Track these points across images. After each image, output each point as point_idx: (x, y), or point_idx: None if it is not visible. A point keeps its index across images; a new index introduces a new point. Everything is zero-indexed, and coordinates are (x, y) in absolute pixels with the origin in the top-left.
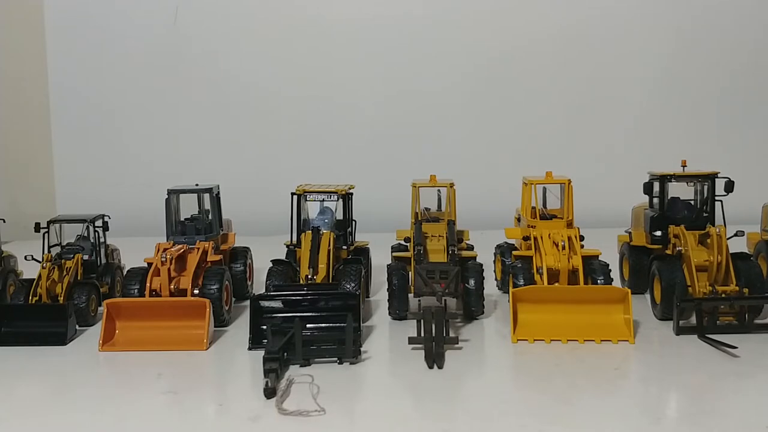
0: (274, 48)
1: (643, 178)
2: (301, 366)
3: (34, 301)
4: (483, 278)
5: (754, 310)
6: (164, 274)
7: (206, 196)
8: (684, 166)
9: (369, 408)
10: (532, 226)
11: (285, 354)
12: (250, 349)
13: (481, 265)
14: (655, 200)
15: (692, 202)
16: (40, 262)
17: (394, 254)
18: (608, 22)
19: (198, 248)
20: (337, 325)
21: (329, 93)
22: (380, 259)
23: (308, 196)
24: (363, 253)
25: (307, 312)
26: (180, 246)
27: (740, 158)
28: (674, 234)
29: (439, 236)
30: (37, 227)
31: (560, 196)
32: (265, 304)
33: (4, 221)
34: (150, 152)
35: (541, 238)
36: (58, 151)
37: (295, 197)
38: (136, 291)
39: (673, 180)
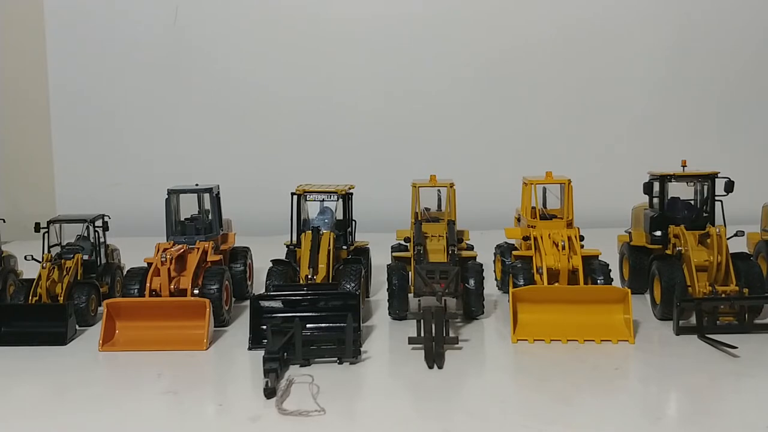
0: (274, 48)
1: (643, 178)
2: (301, 366)
3: (34, 301)
4: (483, 278)
5: (754, 310)
6: (164, 274)
7: (206, 196)
8: (684, 166)
9: (369, 408)
10: (532, 226)
11: (285, 354)
12: (250, 349)
13: (481, 265)
14: (655, 200)
15: (692, 202)
16: (40, 262)
17: (394, 254)
18: (608, 23)
19: (198, 248)
20: (337, 325)
21: (329, 93)
22: (380, 259)
23: (308, 196)
24: (363, 253)
25: (307, 312)
26: (180, 246)
27: (740, 158)
28: (674, 234)
29: (439, 236)
30: (37, 227)
31: (560, 196)
32: (265, 304)
33: (4, 221)
34: (150, 152)
35: (541, 238)
36: (58, 151)
37: (295, 197)
38: (136, 291)
39: (673, 180)
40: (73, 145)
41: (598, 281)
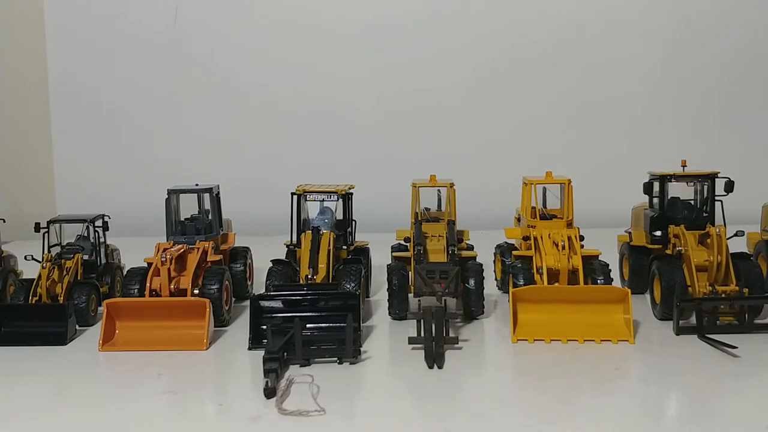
0: (274, 48)
1: (643, 178)
2: (301, 366)
3: (34, 301)
4: (483, 278)
5: (754, 310)
6: (164, 274)
7: (206, 196)
8: (684, 166)
9: (369, 408)
10: (532, 226)
11: (285, 354)
12: (250, 349)
13: (481, 265)
14: (655, 200)
15: (692, 202)
16: (40, 262)
17: (394, 254)
18: (608, 22)
19: (198, 248)
20: (337, 325)
21: (329, 93)
22: (380, 259)
23: (308, 196)
24: (363, 253)
25: (307, 312)
26: (180, 246)
27: (740, 158)
28: (674, 234)
29: (439, 236)
30: (37, 227)
31: (560, 196)
32: (265, 304)
33: (4, 221)
34: (150, 152)
35: (541, 238)
36: (58, 151)
37: (295, 197)
38: (136, 291)
39: (673, 180)
40: (73, 145)
41: (598, 281)
